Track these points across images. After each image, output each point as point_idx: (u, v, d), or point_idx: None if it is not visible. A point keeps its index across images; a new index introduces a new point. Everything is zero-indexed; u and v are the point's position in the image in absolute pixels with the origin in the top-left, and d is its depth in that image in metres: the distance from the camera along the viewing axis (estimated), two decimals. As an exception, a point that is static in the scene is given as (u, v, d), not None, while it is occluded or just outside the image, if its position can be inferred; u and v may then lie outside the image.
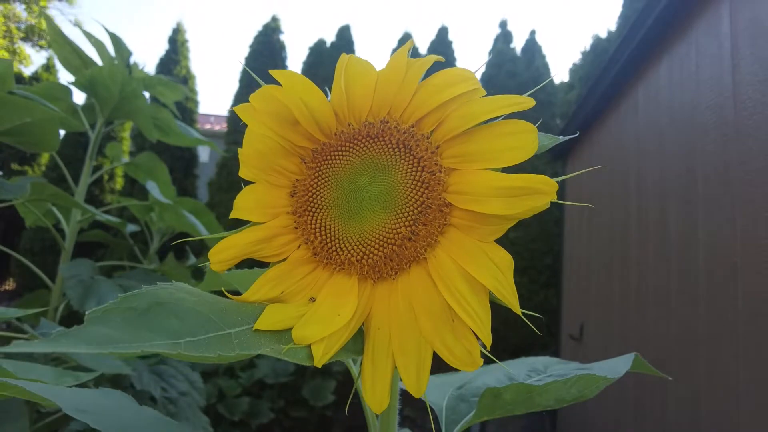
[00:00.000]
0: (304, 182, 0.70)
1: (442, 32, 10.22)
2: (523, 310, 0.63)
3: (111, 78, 1.82)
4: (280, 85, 0.69)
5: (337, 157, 0.69)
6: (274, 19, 10.10)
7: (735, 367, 2.37)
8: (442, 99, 0.65)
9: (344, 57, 0.71)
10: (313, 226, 0.69)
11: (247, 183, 0.73)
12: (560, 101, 9.38)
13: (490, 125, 0.64)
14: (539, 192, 0.59)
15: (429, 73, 0.70)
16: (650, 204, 3.50)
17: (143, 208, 3.03)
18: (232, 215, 0.72)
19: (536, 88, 0.64)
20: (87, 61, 1.97)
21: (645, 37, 3.67)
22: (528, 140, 0.62)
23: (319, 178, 0.70)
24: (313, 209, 0.69)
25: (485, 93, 0.67)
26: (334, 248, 0.68)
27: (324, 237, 0.68)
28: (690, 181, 2.93)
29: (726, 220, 2.53)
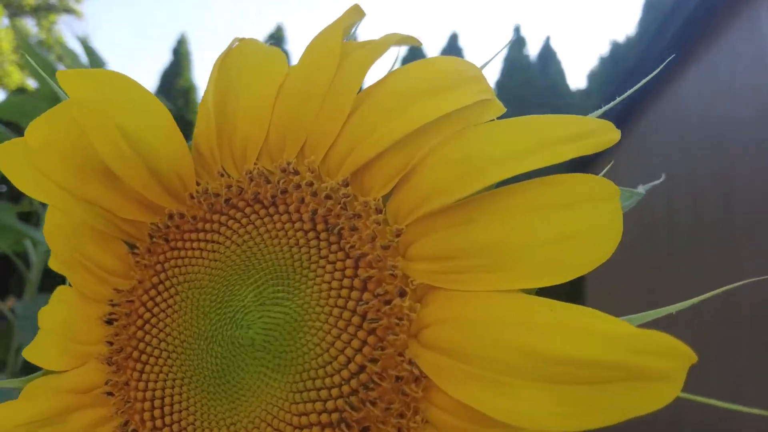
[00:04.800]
0: (132, 295, 0.34)
1: (453, 39, 9.78)
2: None
3: (34, 106, 1.53)
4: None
5: (195, 245, 0.33)
6: (279, 29, 9.97)
7: None
8: (414, 121, 0.28)
9: (229, 48, 0.36)
10: (140, 395, 0.33)
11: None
12: (577, 108, 8.77)
13: (521, 186, 0.26)
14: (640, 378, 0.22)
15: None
16: (683, 240, 3.04)
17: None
18: (25, 353, 0.37)
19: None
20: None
21: (670, 42, 3.28)
22: (606, 219, 0.26)
23: (160, 287, 0.34)
24: (145, 356, 0.33)
25: (502, 108, 0.30)
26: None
27: (161, 424, 0.32)
28: (726, 210, 2.51)
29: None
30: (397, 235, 0.28)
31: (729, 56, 2.77)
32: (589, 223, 0.26)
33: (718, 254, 2.72)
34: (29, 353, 0.37)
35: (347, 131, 0.30)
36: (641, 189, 0.38)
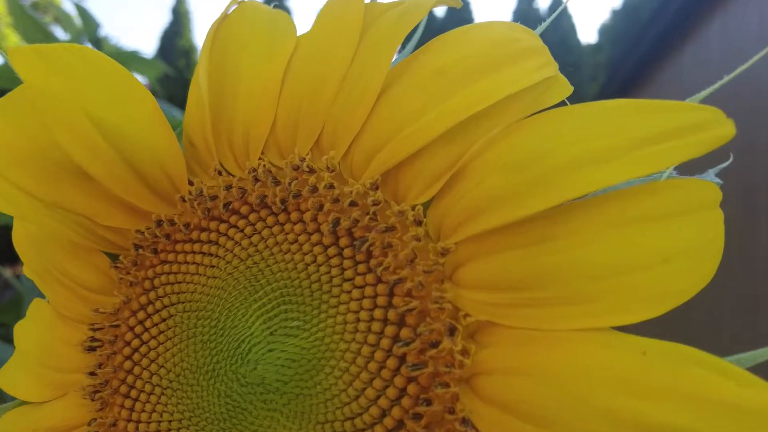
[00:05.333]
0: (117, 317, 0.29)
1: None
2: None
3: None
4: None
5: (189, 258, 0.27)
6: (285, -16, 9.63)
7: None
8: (464, 108, 0.22)
9: (225, 13, 0.29)
10: (128, 437, 0.27)
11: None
12: (588, 64, 8.36)
13: (606, 198, 0.20)
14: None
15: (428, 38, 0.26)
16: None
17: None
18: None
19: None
20: (50, 36, 1.65)
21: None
22: (710, 233, 0.20)
23: (150, 309, 0.28)
24: (135, 392, 0.28)
25: (570, 88, 0.24)
26: None
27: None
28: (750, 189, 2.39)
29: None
30: (443, 255, 0.22)
31: (758, 1, 2.61)
32: (692, 239, 0.20)
33: (736, 219, 2.66)
34: (3, 378, 0.32)
35: (376, 120, 0.24)
36: (713, 176, 0.32)
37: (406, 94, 0.24)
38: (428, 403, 0.21)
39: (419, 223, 0.23)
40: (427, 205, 0.24)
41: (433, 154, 0.23)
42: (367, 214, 0.23)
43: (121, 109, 0.26)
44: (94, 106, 0.26)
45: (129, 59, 1.92)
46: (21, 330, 0.32)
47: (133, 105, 0.27)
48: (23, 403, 0.31)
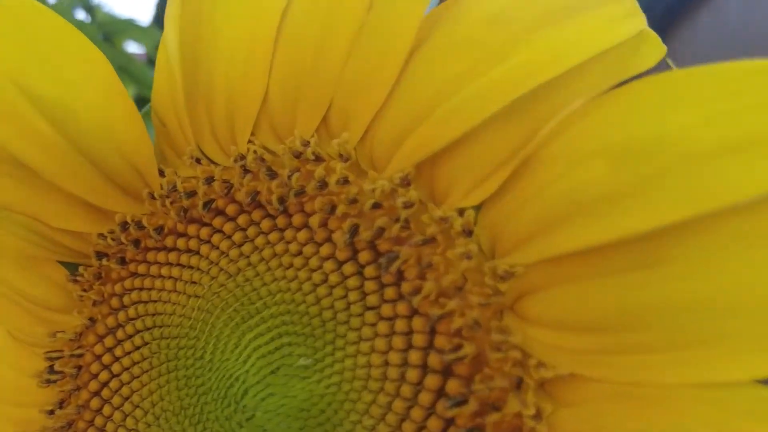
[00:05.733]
0: (80, 344, 0.23)
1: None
2: None
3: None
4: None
5: (164, 271, 0.21)
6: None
7: None
8: (536, 71, 0.15)
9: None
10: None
11: None
12: None
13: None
14: None
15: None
16: None
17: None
18: None
19: None
20: None
21: None
22: None
23: (120, 334, 0.22)
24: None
25: (663, 48, 0.16)
26: None
27: None
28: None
29: None
30: (503, 279, 0.16)
31: None
32: None
33: None
34: None
35: (406, 90, 0.17)
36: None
37: (448, 53, 0.17)
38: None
39: (469, 233, 0.17)
40: (475, 209, 0.17)
41: (487, 136, 0.17)
42: (397, 220, 0.17)
43: (64, 80, 0.20)
44: (27, 75, 0.20)
45: (124, 27, 1.81)
46: None
47: (81, 73, 0.20)
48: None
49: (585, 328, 0.15)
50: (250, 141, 0.20)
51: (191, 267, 0.21)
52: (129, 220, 0.22)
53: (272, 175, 0.19)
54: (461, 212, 0.17)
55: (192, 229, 0.21)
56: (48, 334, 0.23)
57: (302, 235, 0.19)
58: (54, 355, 0.23)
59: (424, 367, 0.17)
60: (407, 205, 0.17)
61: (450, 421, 0.16)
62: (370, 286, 0.18)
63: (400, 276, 0.17)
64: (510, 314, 0.16)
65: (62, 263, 0.23)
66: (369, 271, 0.18)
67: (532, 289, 0.16)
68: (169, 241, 0.21)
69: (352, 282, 0.18)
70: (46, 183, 0.21)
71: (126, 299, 0.22)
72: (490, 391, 0.16)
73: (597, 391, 0.15)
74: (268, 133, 0.20)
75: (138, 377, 0.22)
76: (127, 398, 0.22)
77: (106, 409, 0.22)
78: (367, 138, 0.18)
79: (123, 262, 0.22)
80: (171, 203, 0.21)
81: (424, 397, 0.17)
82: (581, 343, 0.15)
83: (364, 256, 0.18)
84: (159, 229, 0.21)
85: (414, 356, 0.17)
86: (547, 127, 0.16)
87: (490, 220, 0.17)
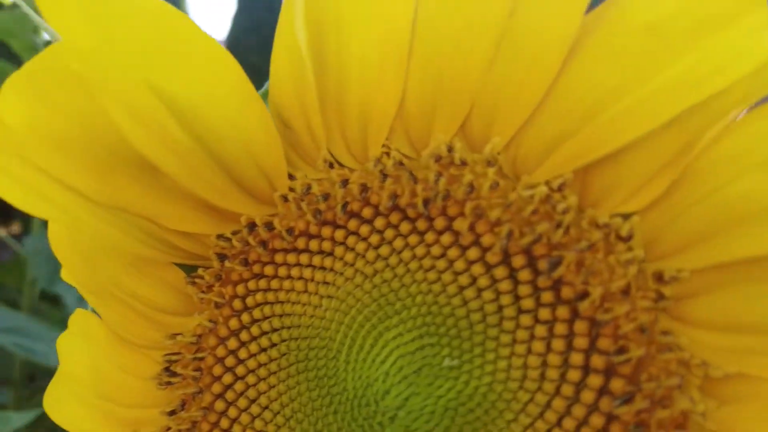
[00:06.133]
0: (201, 346, 0.23)
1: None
2: None
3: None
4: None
5: (294, 272, 0.22)
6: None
7: None
8: (703, 84, 0.16)
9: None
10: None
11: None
12: None
13: None
14: None
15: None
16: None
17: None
18: (46, 404, 0.26)
19: None
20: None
21: None
22: None
23: (244, 335, 0.22)
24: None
25: None
26: None
27: None
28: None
29: None
30: (666, 283, 0.17)
31: None
32: None
33: None
34: (49, 403, 0.26)
35: (560, 99, 0.18)
36: None
37: (606, 61, 0.17)
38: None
39: (628, 239, 0.17)
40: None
41: (646, 145, 0.17)
42: (559, 226, 0.18)
43: (197, 82, 0.20)
44: (160, 75, 0.19)
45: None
46: (66, 347, 0.26)
47: (212, 74, 0.20)
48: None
49: (750, 329, 0.16)
50: (384, 145, 0.20)
51: (324, 268, 0.21)
52: (257, 222, 0.21)
53: (415, 179, 0.20)
54: (626, 217, 0.17)
55: (326, 231, 0.21)
56: (163, 337, 0.23)
57: (446, 239, 0.19)
58: (173, 357, 0.23)
59: (586, 368, 0.17)
60: (566, 211, 0.18)
61: (612, 418, 0.17)
62: (524, 290, 0.18)
63: (558, 280, 0.18)
64: (671, 317, 0.17)
65: (177, 265, 0.23)
66: (523, 275, 0.18)
67: (695, 292, 0.17)
68: (300, 243, 0.21)
69: (505, 285, 0.18)
70: (166, 185, 0.21)
71: (250, 301, 0.22)
72: (656, 390, 0.17)
73: (763, 390, 0.16)
74: (402, 138, 0.20)
75: (265, 379, 0.22)
76: (254, 401, 0.22)
77: (232, 412, 0.22)
78: (511, 144, 0.19)
79: (246, 263, 0.22)
80: (307, 205, 0.21)
81: (587, 396, 0.17)
82: (746, 344, 0.16)
83: (518, 261, 0.18)
84: (290, 231, 0.21)
85: (576, 358, 0.17)
86: (707, 136, 0.16)
87: (647, 227, 0.17)
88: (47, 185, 0.20)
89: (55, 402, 0.26)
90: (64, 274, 0.26)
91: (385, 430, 0.20)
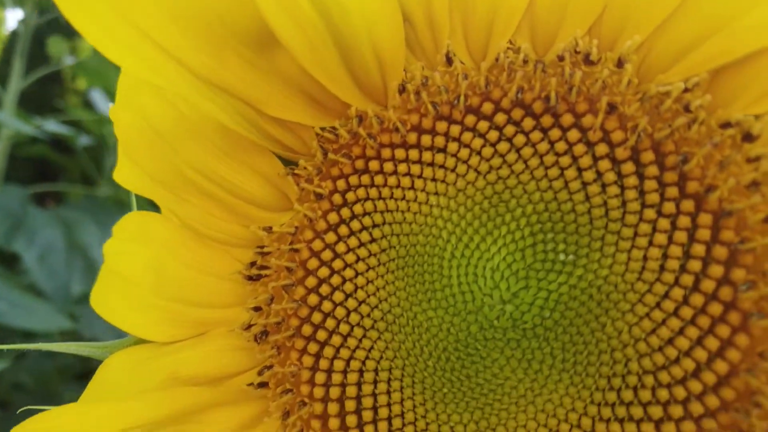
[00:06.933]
0: (297, 239, 0.22)
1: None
2: None
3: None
4: None
5: (402, 168, 0.21)
6: None
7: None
8: None
9: None
10: (320, 392, 0.22)
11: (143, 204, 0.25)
12: None
13: None
14: None
15: None
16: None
17: (98, 121, 2.47)
18: (94, 304, 0.25)
19: None
20: None
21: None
22: None
23: (343, 230, 0.22)
24: (324, 334, 0.22)
25: None
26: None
27: None
28: None
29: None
30: (787, 181, 0.18)
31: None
32: None
33: None
34: (97, 302, 0.24)
35: (695, 6, 0.18)
36: None
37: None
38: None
39: (755, 139, 0.18)
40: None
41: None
42: (692, 123, 0.18)
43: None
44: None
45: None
46: (114, 250, 0.25)
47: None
48: (140, 342, 0.24)
49: None
50: (510, 43, 0.20)
51: (434, 164, 0.21)
52: (368, 113, 0.21)
53: (546, 73, 0.20)
54: (757, 117, 0.18)
55: (440, 126, 0.21)
56: (246, 230, 0.23)
57: (572, 135, 0.20)
58: (265, 248, 0.22)
59: (707, 258, 0.18)
60: (699, 108, 0.18)
61: (730, 306, 0.18)
62: (650, 184, 0.19)
63: (684, 176, 0.19)
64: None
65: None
66: (651, 170, 0.19)
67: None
68: (411, 138, 0.21)
69: (631, 181, 0.19)
70: (278, 69, 0.20)
71: (350, 196, 0.22)
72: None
73: None
74: (524, 36, 0.21)
75: (363, 274, 0.22)
76: (350, 295, 0.22)
77: (326, 305, 0.22)
78: (642, 46, 0.19)
79: (350, 157, 0.22)
80: (425, 99, 0.21)
81: (707, 285, 0.18)
82: None
83: (646, 156, 0.19)
84: (402, 124, 0.21)
85: (697, 249, 0.18)
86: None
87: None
88: (157, 54, 0.19)
89: (104, 302, 0.24)
90: (125, 177, 0.24)
91: (491, 320, 0.20)
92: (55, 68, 2.04)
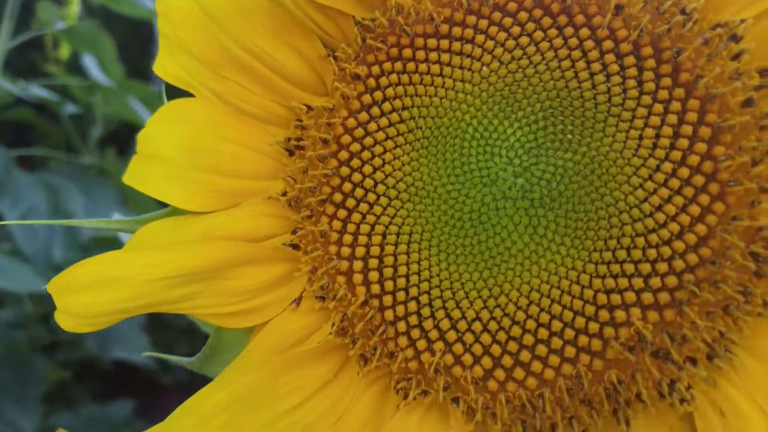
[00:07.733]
0: (332, 116, 0.25)
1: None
2: None
3: None
4: None
5: (432, 56, 0.24)
6: None
7: None
8: None
9: None
10: (347, 251, 0.24)
11: (175, 94, 0.27)
12: None
13: None
14: None
15: None
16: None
17: (85, 88, 2.43)
18: (127, 179, 0.27)
19: None
20: None
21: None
22: None
23: (374, 111, 0.24)
24: (353, 201, 0.24)
25: None
26: (409, 328, 0.24)
27: (379, 290, 0.24)
28: None
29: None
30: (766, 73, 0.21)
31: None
32: None
33: None
34: (131, 179, 0.26)
35: None
36: None
37: None
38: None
39: (739, 40, 0.21)
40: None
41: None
42: (687, 22, 0.21)
43: None
44: None
45: None
46: (150, 134, 0.26)
47: None
48: (173, 212, 0.26)
49: None
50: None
51: (462, 54, 0.24)
52: (406, 5, 0.24)
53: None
54: (741, 21, 0.21)
55: (470, 20, 0.23)
56: (283, 108, 0.25)
57: (583, 32, 0.23)
58: (303, 123, 0.24)
59: (693, 137, 0.21)
60: (693, 10, 0.21)
61: (710, 177, 0.21)
62: (647, 75, 0.22)
63: (677, 67, 0.22)
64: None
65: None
66: (648, 63, 0.22)
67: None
68: (443, 29, 0.24)
69: (631, 71, 0.22)
70: None
71: (383, 80, 0.24)
72: (753, 151, 0.21)
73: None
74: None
75: (390, 150, 0.24)
76: (378, 168, 0.24)
77: (356, 176, 0.24)
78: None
79: (385, 44, 0.24)
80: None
81: (692, 159, 0.21)
82: None
83: (646, 51, 0.22)
84: (436, 15, 0.24)
85: (686, 129, 0.21)
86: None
87: (756, 31, 0.21)
88: None
89: (140, 177, 0.25)
90: (162, 62, 0.26)
91: (503, 191, 0.23)
92: (46, 31, 2.02)
